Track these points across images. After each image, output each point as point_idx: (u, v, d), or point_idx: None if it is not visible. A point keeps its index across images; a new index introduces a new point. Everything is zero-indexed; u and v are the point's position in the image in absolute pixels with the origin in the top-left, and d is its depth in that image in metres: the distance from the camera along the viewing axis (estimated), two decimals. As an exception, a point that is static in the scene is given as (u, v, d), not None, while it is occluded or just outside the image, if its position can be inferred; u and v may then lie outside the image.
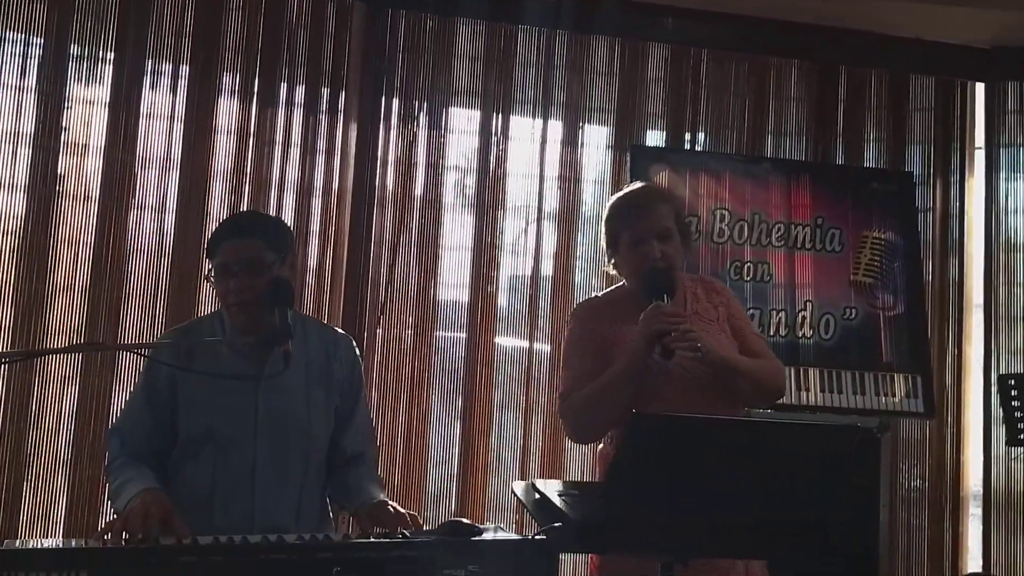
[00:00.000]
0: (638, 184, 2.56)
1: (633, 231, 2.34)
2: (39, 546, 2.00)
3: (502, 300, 3.83)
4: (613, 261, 2.44)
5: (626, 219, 2.37)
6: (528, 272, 3.83)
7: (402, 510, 2.20)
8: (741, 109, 4.04)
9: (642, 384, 2.27)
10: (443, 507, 3.64)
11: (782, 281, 3.64)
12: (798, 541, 1.95)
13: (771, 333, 3.55)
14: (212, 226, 3.47)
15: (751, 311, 3.55)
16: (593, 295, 2.62)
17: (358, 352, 2.49)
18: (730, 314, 2.46)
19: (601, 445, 2.48)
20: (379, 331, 3.65)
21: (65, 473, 3.27)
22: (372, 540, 2.00)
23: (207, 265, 2.33)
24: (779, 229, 3.68)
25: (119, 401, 3.25)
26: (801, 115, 4.07)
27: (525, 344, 3.79)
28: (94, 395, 3.30)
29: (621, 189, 2.53)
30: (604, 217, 2.46)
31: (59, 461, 3.28)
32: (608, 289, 2.56)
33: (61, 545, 2.03)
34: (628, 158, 3.79)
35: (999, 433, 3.69)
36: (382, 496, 2.30)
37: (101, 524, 2.20)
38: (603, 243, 2.45)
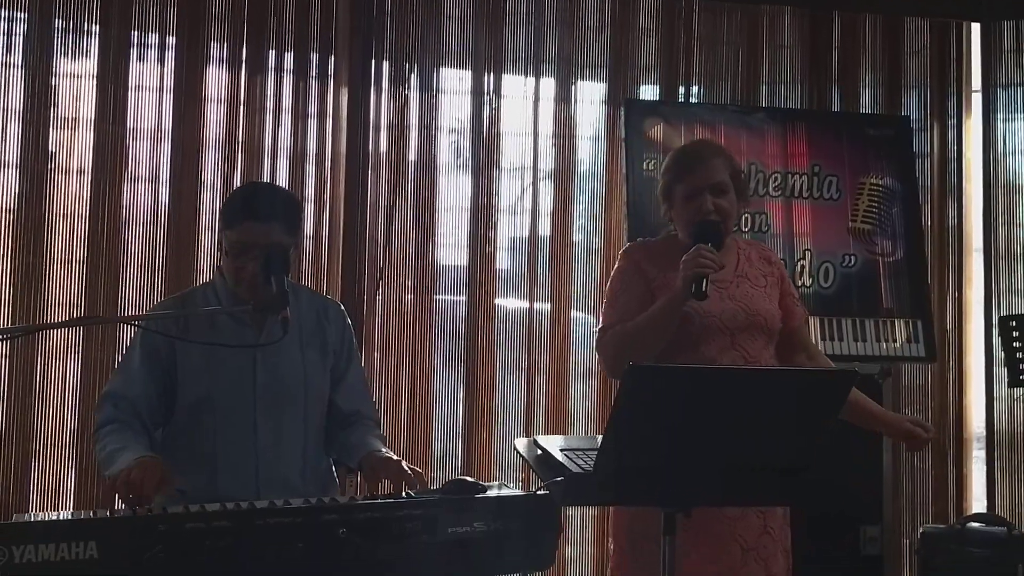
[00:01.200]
0: (694, 140, 2.57)
1: (687, 184, 2.36)
2: (48, 518, 2.02)
3: (502, 262, 3.82)
4: (669, 215, 2.45)
5: (681, 172, 2.39)
6: (526, 233, 3.82)
7: (406, 466, 2.22)
8: (734, 59, 4.00)
9: (680, 333, 2.29)
10: (449, 467, 3.67)
11: (780, 231, 3.63)
12: (799, 487, 1.97)
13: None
14: (206, 196, 3.48)
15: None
16: (647, 239, 2.63)
17: (348, 319, 2.52)
18: (783, 290, 2.48)
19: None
20: (379, 296, 3.65)
21: (72, 446, 3.30)
22: (377, 501, 2.03)
23: (224, 233, 2.33)
24: (776, 179, 3.66)
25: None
26: (795, 62, 4.03)
27: (525, 305, 3.79)
28: (97, 368, 3.32)
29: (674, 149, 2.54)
30: (661, 168, 2.50)
31: (65, 435, 3.30)
32: (662, 236, 2.58)
33: (70, 517, 2.06)
34: (622, 113, 3.76)
35: (1001, 375, 3.69)
36: (384, 449, 2.33)
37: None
38: (659, 194, 2.47)
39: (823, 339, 3.51)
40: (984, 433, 3.99)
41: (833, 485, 1.98)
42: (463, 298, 3.74)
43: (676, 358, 2.30)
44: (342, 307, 2.55)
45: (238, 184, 3.46)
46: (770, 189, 3.65)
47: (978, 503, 4.08)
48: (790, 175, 3.67)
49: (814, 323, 3.52)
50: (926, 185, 4.04)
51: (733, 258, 2.43)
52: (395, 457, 2.28)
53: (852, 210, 3.68)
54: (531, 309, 3.77)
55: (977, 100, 4.13)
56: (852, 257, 3.63)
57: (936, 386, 3.99)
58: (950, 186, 4.08)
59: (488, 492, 2.06)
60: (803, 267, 3.59)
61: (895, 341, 3.57)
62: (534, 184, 3.83)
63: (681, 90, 3.96)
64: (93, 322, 3.33)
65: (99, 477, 3.28)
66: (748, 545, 2.28)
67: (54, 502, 3.28)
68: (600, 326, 2.43)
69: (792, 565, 2.40)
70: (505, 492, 2.09)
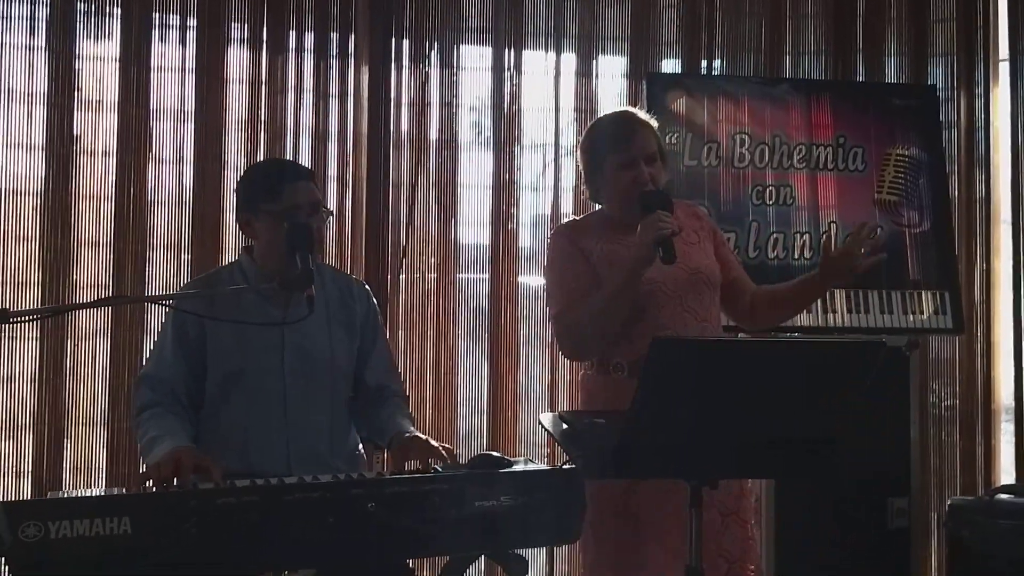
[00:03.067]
0: (617, 110, 2.57)
1: (621, 154, 2.36)
2: (82, 495, 2.06)
3: (524, 239, 3.82)
4: (595, 187, 2.45)
5: (614, 142, 2.39)
6: (548, 211, 3.81)
7: (435, 443, 2.24)
8: (757, 30, 3.95)
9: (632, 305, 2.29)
10: (475, 445, 3.69)
11: (805, 203, 3.59)
12: (825, 459, 1.96)
13: (795, 256, 3.53)
14: (230, 176, 3.49)
15: (774, 235, 3.52)
16: (572, 218, 2.64)
17: (373, 298, 2.53)
18: (716, 241, 2.49)
19: (583, 371, 2.51)
20: (402, 276, 3.66)
21: (103, 425, 3.35)
22: (404, 476, 2.04)
23: (263, 206, 2.33)
24: (800, 151, 3.63)
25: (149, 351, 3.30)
26: (819, 33, 3.98)
27: (548, 282, 3.78)
28: (125, 348, 3.36)
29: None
30: (581, 146, 2.49)
31: (96, 414, 3.35)
32: (586, 214, 2.58)
33: (104, 493, 2.10)
34: (644, 86, 3.73)
35: (1030, 346, 3.66)
36: (413, 429, 2.35)
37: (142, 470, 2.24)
38: (580, 168, 2.48)
39: (849, 311, 3.49)
40: (1013, 405, 3.95)
41: (859, 458, 1.97)
42: (486, 276, 3.75)
43: (632, 329, 2.30)
44: (367, 286, 2.57)
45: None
46: (795, 161, 3.62)
47: (1007, 475, 4.04)
48: (815, 147, 3.64)
49: (840, 296, 3.50)
50: (953, 155, 3.98)
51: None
52: (423, 436, 2.30)
53: (878, 181, 3.64)
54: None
55: (1005, 69, 4.06)
56: (878, 229, 3.59)
57: (964, 358, 3.95)
58: (977, 156, 4.02)
59: (514, 467, 2.07)
60: (829, 239, 3.55)
61: (922, 313, 3.54)
62: (556, 160, 3.81)
63: (704, 63, 3.93)
64: (121, 302, 3.36)
65: (130, 456, 3.34)
66: (728, 509, 2.29)
67: (86, 481, 3.33)
68: (552, 313, 2.41)
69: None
70: (531, 467, 2.10)
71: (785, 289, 2.49)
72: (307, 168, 2.59)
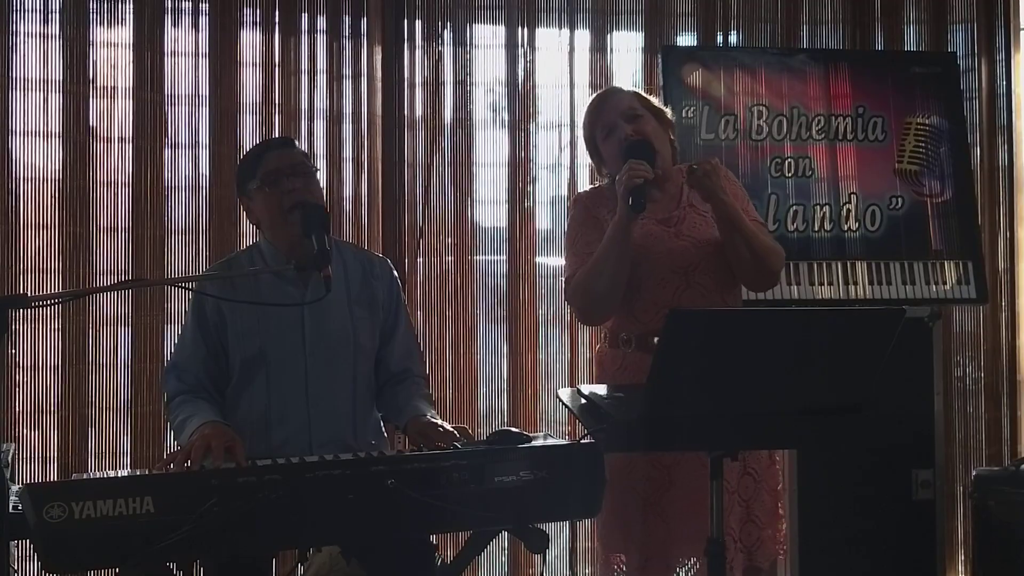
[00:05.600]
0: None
1: (602, 124, 2.40)
2: (106, 476, 2.07)
3: (541, 221, 3.80)
4: (602, 169, 2.49)
5: (592, 117, 2.45)
6: (565, 191, 3.79)
7: (450, 427, 2.24)
8: (774, 1, 3.91)
9: (634, 277, 2.29)
10: (495, 424, 3.69)
11: (825, 175, 3.56)
12: (848, 429, 1.95)
13: (816, 228, 3.49)
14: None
15: (794, 207, 3.49)
16: (595, 185, 2.64)
17: (395, 274, 2.52)
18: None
19: (598, 346, 2.51)
20: (420, 259, 3.66)
21: (126, 409, 3.37)
22: (424, 453, 2.05)
23: (250, 185, 2.35)
24: (819, 122, 3.59)
25: (170, 336, 3.32)
26: (836, 2, 3.92)
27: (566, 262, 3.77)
28: (146, 333, 3.37)
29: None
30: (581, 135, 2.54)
31: (119, 399, 3.37)
32: (608, 182, 2.57)
33: (127, 474, 2.11)
34: (660, 61, 3.70)
35: (1055, 315, 3.62)
36: (431, 413, 2.34)
37: (165, 456, 2.26)
38: (588, 159, 2.54)
39: (871, 283, 3.45)
40: (1038, 375, 3.92)
41: (882, 428, 1.95)
42: (503, 257, 3.74)
43: (636, 301, 2.29)
44: (389, 262, 2.56)
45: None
46: (813, 133, 3.58)
47: (1033, 446, 4.01)
48: (834, 118, 3.59)
49: (861, 267, 3.47)
50: (974, 123, 3.93)
51: (677, 191, 2.41)
52: (438, 421, 2.30)
53: (898, 151, 3.59)
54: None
55: (1026, 35, 4.00)
56: (899, 199, 3.55)
57: (988, 328, 3.92)
58: (999, 124, 3.97)
59: (533, 442, 2.07)
60: (849, 211, 3.53)
61: (945, 283, 3.50)
62: (571, 139, 3.79)
63: (720, 35, 3.88)
64: (139, 285, 3.38)
65: (155, 440, 3.36)
66: (728, 488, 2.28)
67: (111, 463, 3.35)
68: (564, 278, 2.43)
69: (785, 506, 2.44)
70: (550, 441, 2.10)
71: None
72: (286, 137, 2.70)
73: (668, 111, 2.50)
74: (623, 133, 2.34)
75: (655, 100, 2.52)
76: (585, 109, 2.54)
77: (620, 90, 2.51)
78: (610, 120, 2.38)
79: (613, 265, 2.26)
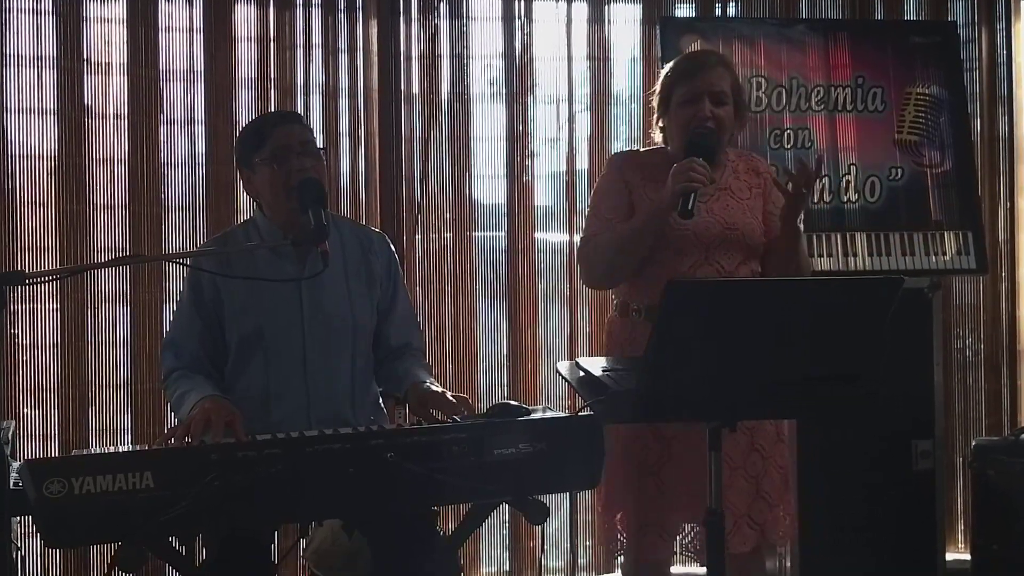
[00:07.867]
0: (703, 48, 2.52)
1: (688, 88, 2.31)
2: (105, 451, 2.08)
3: (540, 196, 3.78)
4: (661, 122, 2.40)
5: (682, 75, 2.34)
6: (563, 167, 3.77)
7: (451, 396, 2.23)
8: (773, -30, 3.88)
9: (653, 247, 2.27)
10: (495, 399, 3.69)
11: (824, 146, 3.54)
12: (844, 400, 1.95)
13: (815, 200, 3.47)
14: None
15: (793, 179, 3.46)
16: (635, 148, 2.61)
17: (393, 248, 2.51)
18: (768, 200, 2.42)
19: (609, 315, 2.50)
20: (418, 235, 3.64)
21: (126, 386, 3.37)
22: (423, 426, 2.05)
23: (255, 157, 2.33)
24: (818, 92, 3.56)
25: (169, 313, 3.31)
26: (836, -30, 3.90)
27: (565, 238, 3.75)
28: (145, 309, 3.37)
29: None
30: (660, 77, 2.43)
31: (119, 376, 3.37)
32: (650, 147, 2.53)
33: (127, 449, 2.12)
34: (658, 32, 3.67)
35: (1055, 286, 3.62)
36: (430, 380, 2.34)
37: (165, 432, 2.26)
38: (655, 101, 2.42)
39: (870, 254, 3.45)
40: (1038, 345, 3.92)
41: (882, 399, 1.95)
42: (502, 233, 3.72)
43: (649, 271, 2.29)
44: (386, 237, 2.55)
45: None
46: (812, 104, 3.56)
47: (1033, 417, 4.02)
48: (833, 88, 3.57)
49: (861, 238, 3.46)
50: (975, 93, 3.90)
51: (719, 172, 2.38)
52: (439, 389, 2.29)
53: (898, 121, 3.57)
54: (571, 242, 3.73)
55: (1027, 3, 3.97)
56: (899, 170, 3.54)
57: (988, 298, 3.91)
58: (1000, 93, 3.95)
59: (533, 415, 2.07)
60: (848, 182, 3.51)
61: (945, 254, 3.49)
62: (569, 111, 3.76)
63: (718, 7, 3.85)
64: (136, 260, 3.36)
65: (155, 417, 3.37)
66: (735, 464, 2.29)
67: (111, 439, 3.36)
68: (582, 235, 2.41)
69: (796, 482, 2.44)
70: (549, 414, 2.10)
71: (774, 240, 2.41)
72: (295, 112, 2.64)
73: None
74: (704, 112, 2.28)
75: (739, 82, 2.43)
76: (677, 60, 2.42)
77: (721, 64, 2.37)
78: (698, 91, 2.30)
79: (640, 249, 2.27)
